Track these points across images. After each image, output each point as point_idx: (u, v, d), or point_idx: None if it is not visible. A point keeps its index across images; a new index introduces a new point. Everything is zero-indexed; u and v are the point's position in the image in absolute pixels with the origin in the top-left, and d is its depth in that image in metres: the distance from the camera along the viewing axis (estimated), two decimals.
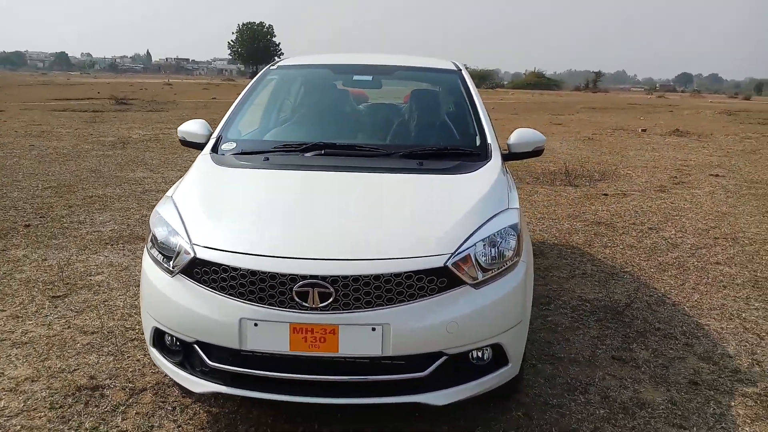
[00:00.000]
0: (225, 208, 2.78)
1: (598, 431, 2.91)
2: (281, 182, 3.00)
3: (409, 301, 2.39)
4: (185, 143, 3.63)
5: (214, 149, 3.39)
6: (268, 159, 3.17)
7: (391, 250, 2.44)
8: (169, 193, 3.02)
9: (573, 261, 5.53)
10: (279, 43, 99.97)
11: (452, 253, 2.47)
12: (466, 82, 3.78)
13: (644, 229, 6.71)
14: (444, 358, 2.47)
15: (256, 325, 2.40)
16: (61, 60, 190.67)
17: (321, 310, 2.36)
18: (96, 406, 2.97)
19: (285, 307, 2.37)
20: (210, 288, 2.48)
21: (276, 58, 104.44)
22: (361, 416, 2.90)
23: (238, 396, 2.59)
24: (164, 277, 2.60)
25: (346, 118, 3.91)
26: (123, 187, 8.21)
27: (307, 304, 2.36)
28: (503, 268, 2.60)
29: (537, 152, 3.61)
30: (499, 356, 2.64)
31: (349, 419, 2.88)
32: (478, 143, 3.42)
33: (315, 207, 2.78)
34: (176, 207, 2.79)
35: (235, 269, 2.42)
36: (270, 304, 2.39)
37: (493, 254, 2.59)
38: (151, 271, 2.68)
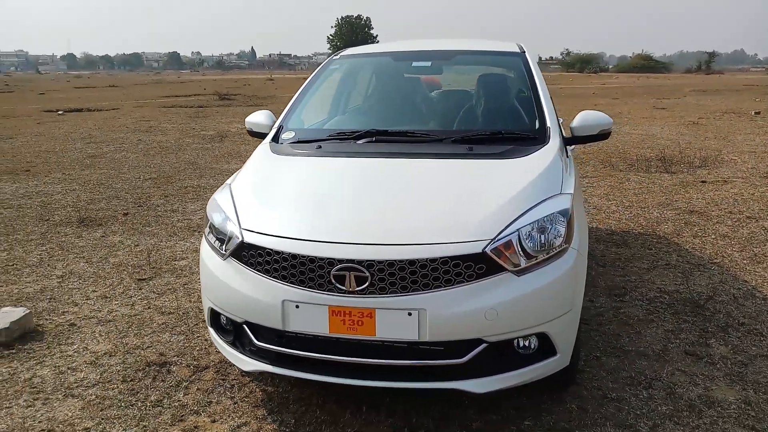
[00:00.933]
0: (274, 195, 2.87)
1: (658, 428, 2.76)
2: (329, 169, 3.05)
3: (445, 286, 2.37)
4: (252, 134, 3.77)
5: (275, 139, 3.50)
6: (320, 147, 3.23)
7: (427, 235, 2.43)
8: (228, 182, 3.15)
9: (658, 251, 5.25)
10: (376, 36, 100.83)
11: (492, 239, 2.42)
12: (528, 65, 3.67)
13: (741, 218, 6.24)
14: (483, 345, 2.43)
15: (297, 307, 2.46)
16: (174, 59, 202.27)
17: (358, 294, 2.39)
18: (162, 380, 3.17)
19: (324, 290, 2.42)
20: (256, 271, 2.57)
21: None
22: (409, 401, 2.91)
23: (284, 375, 2.66)
24: (218, 261, 2.73)
25: (403, 104, 3.90)
26: (216, 178, 8.62)
27: (344, 288, 2.39)
28: (550, 255, 2.52)
29: (603, 135, 3.45)
30: (545, 346, 2.56)
31: (397, 403, 2.89)
32: (535, 127, 3.31)
33: (358, 193, 2.81)
34: (231, 194, 2.91)
35: (278, 253, 2.50)
36: (310, 287, 2.44)
37: (539, 240, 2.51)
38: (207, 255, 2.82)
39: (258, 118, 3.75)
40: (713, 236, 5.63)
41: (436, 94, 3.91)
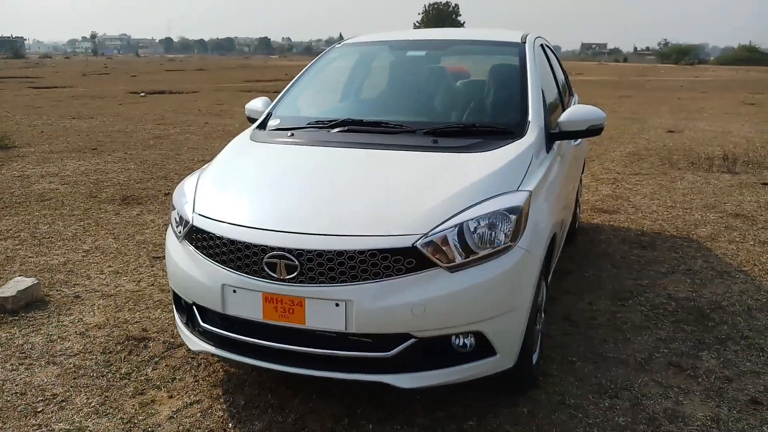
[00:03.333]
0: (232, 181, 2.93)
1: None
2: (289, 157, 3.08)
3: (373, 279, 2.36)
4: (250, 120, 3.85)
5: (262, 125, 3.56)
6: (293, 135, 3.26)
7: (359, 227, 2.42)
8: (205, 167, 3.25)
9: (683, 255, 4.97)
10: (464, 23, 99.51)
11: (424, 234, 2.38)
12: (524, 56, 3.54)
13: None
14: (412, 340, 2.40)
15: (234, 291, 2.52)
16: (264, 45, 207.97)
17: (288, 282, 2.41)
18: (137, 355, 3.32)
19: (258, 277, 2.47)
20: (202, 254, 2.65)
21: None
22: (358, 391, 2.91)
23: (224, 357, 2.73)
24: (175, 243, 2.83)
25: (389, 94, 3.86)
26: None
27: (275, 275, 2.43)
28: (490, 252, 2.45)
29: (593, 131, 3.29)
30: (483, 345, 2.51)
31: (346, 393, 2.91)
32: (514, 120, 3.20)
33: (307, 182, 2.82)
34: (197, 180, 3.00)
35: (218, 238, 2.57)
36: (246, 273, 2.49)
37: (480, 237, 2.45)
38: (169, 237, 2.93)
39: (256, 104, 3.82)
40: (751, 242, 5.27)
41: (425, 85, 3.84)
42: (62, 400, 2.91)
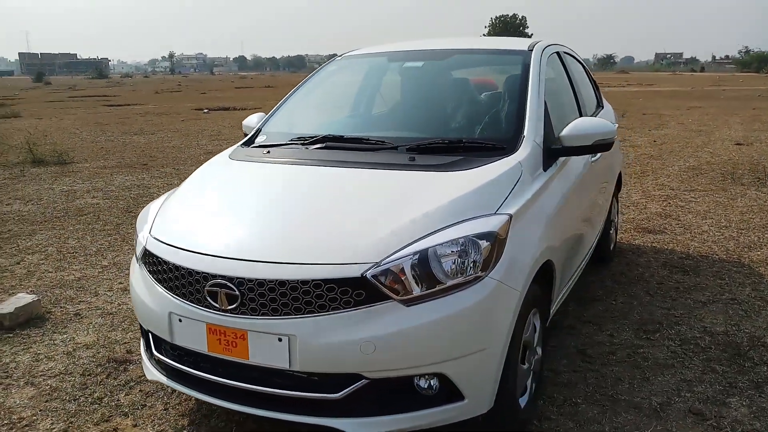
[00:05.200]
0: (192, 202, 2.78)
1: None
2: (255, 177, 2.90)
3: (318, 312, 2.13)
4: (245, 136, 3.71)
5: (249, 142, 3.41)
6: (269, 152, 3.09)
7: (304, 254, 2.19)
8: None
9: (730, 282, 4.48)
10: (531, 35, 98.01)
11: (376, 263, 2.13)
12: (527, 66, 3.23)
13: None
14: (363, 381, 2.16)
15: (180, 320, 2.36)
16: None
17: (230, 313, 2.22)
18: (114, 378, 3.21)
19: (202, 306, 2.29)
20: (153, 279, 2.50)
21: None
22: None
23: (177, 389, 2.56)
24: (135, 266, 2.70)
25: (378, 108, 3.63)
26: None
27: (217, 305, 2.24)
28: (457, 283, 2.17)
29: (601, 146, 2.95)
30: (448, 388, 2.22)
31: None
32: (506, 135, 2.91)
33: (264, 204, 2.62)
34: (163, 200, 2.87)
35: (165, 262, 2.41)
36: (190, 301, 2.33)
37: (445, 266, 2.17)
38: (133, 260, 2.80)
39: (251, 120, 3.69)
40: None
41: (418, 98, 3.60)
42: (26, 425, 2.82)
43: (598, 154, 3.70)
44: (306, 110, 3.66)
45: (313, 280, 2.12)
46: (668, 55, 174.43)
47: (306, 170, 2.81)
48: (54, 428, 2.79)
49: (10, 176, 9.13)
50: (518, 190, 2.54)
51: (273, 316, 2.16)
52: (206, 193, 2.85)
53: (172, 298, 2.38)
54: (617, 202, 5.15)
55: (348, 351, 2.11)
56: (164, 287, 2.43)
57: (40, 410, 2.93)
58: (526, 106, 2.97)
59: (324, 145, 3.00)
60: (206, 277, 2.25)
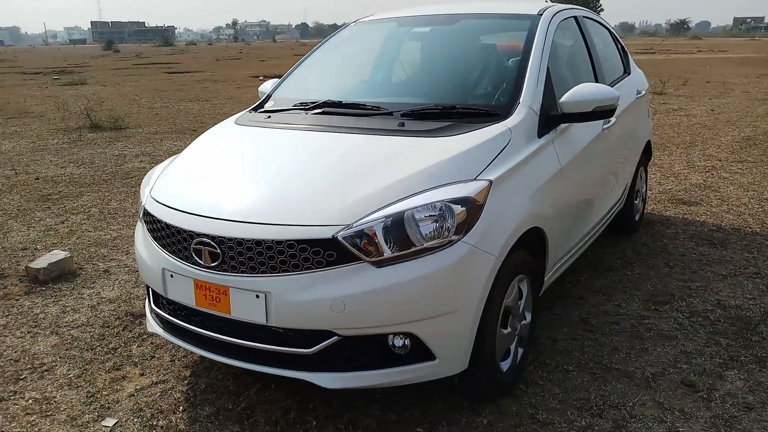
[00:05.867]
0: (191, 165, 2.89)
1: None
2: (252, 141, 2.98)
3: (293, 271, 2.22)
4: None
5: (258, 107, 3.50)
6: (270, 117, 3.17)
7: (281, 215, 2.28)
8: None
9: (758, 257, 4.34)
10: (600, 3, 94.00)
11: (347, 225, 2.20)
12: (534, 30, 3.17)
13: None
14: (335, 338, 2.24)
15: (172, 276, 2.49)
16: None
17: (213, 270, 2.34)
18: (130, 331, 3.41)
19: (189, 263, 2.41)
20: (151, 236, 2.64)
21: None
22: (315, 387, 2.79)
23: (170, 341, 2.71)
24: (139, 224, 2.85)
25: (380, 74, 3.64)
26: None
27: (202, 262, 2.36)
28: (430, 246, 2.22)
29: (601, 113, 2.90)
30: (419, 348, 2.29)
31: (304, 386, 2.79)
32: (501, 101, 2.89)
33: (251, 167, 2.70)
34: (168, 162, 3.01)
35: (159, 221, 2.54)
36: (180, 258, 2.45)
37: (418, 230, 2.22)
38: (139, 220, 2.96)
39: (266, 86, 3.78)
40: None
41: (422, 63, 3.58)
42: (46, 370, 3.05)
43: (612, 120, 3.62)
44: (315, 76, 3.72)
45: (287, 241, 2.20)
46: (748, 20, 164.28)
47: (299, 135, 2.88)
48: (70, 374, 3.01)
49: (69, 141, 9.59)
50: (504, 156, 2.54)
51: (251, 273, 2.27)
52: (204, 156, 2.97)
53: (165, 254, 2.52)
54: (645, 171, 5.00)
55: (319, 309, 2.19)
56: (159, 245, 2.57)
57: (60, 357, 3.16)
58: (525, 72, 2.94)
59: (322, 110, 3.05)
60: (192, 235, 2.37)
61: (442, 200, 2.26)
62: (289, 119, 3.08)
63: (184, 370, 3.03)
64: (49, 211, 5.79)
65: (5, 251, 4.70)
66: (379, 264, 2.19)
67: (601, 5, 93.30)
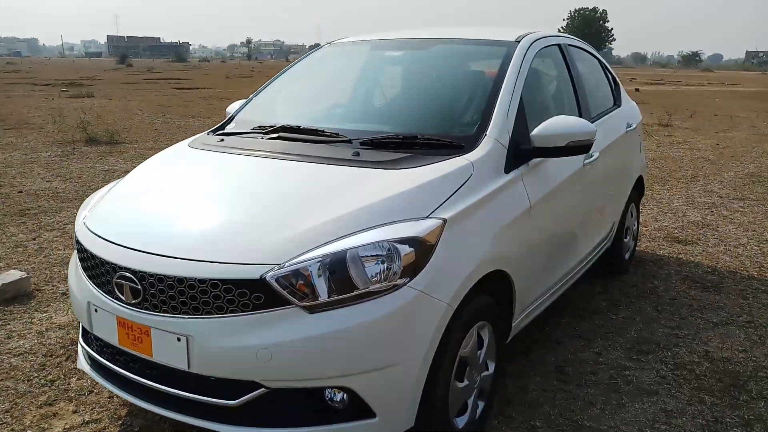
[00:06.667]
0: (131, 190, 2.70)
1: None
2: (196, 167, 2.79)
3: (216, 314, 2.01)
4: None
5: (219, 128, 3.32)
6: (222, 140, 2.98)
7: (205, 251, 2.07)
8: None
9: (753, 303, 4.09)
10: (611, 29, 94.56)
11: (278, 265, 1.99)
12: (509, 59, 2.98)
13: None
14: (261, 390, 2.02)
15: (96, 310, 2.29)
16: None
17: (135, 307, 2.13)
18: (73, 361, 3.20)
19: (112, 298, 2.21)
20: (81, 266, 2.44)
21: (608, 44, 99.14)
22: None
23: (94, 380, 2.50)
24: (74, 253, 2.66)
25: (346, 99, 3.45)
26: None
27: (123, 298, 2.16)
28: (367, 291, 2.00)
29: (575, 149, 2.69)
30: (357, 404, 2.06)
31: None
32: (466, 132, 2.69)
33: (185, 196, 2.49)
34: (111, 186, 2.83)
35: (86, 250, 2.35)
36: (104, 292, 2.25)
37: (359, 272, 2.01)
38: None
39: (233, 106, 3.60)
40: None
41: (389, 89, 3.40)
42: None
43: (595, 155, 3.41)
44: (280, 98, 3.54)
45: (210, 280, 2.00)
46: (760, 54, 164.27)
47: (246, 162, 2.68)
48: None
49: (62, 154, 9.47)
50: (463, 193, 2.33)
51: (173, 314, 2.06)
52: (145, 180, 2.78)
53: (91, 287, 2.32)
54: (637, 208, 4.78)
55: (244, 357, 1.98)
56: (87, 275, 2.37)
57: None
58: (495, 103, 2.74)
59: (278, 135, 2.86)
60: (114, 268, 2.17)
61: (387, 240, 2.05)
62: (241, 143, 2.89)
63: (121, 408, 2.81)
64: (24, 227, 5.62)
65: None
66: (312, 309, 1.98)
67: (613, 35, 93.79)
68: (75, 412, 2.78)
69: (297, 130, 2.88)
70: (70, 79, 31.54)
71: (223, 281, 1.99)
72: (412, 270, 2.06)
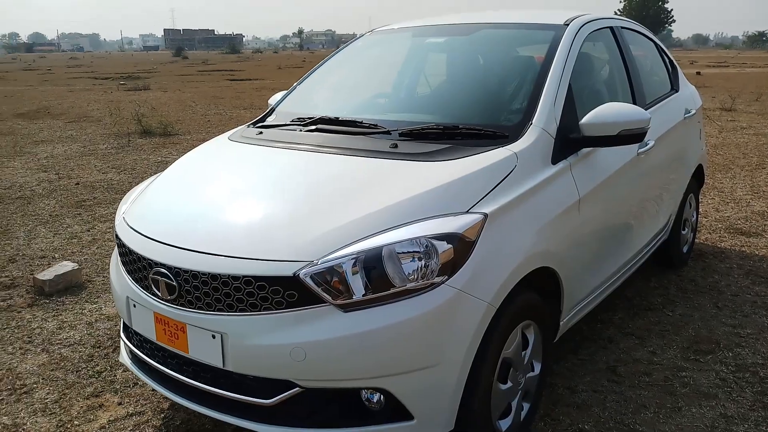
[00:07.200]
0: (171, 184, 2.68)
1: None
2: (234, 160, 2.75)
3: (250, 311, 1.97)
4: None
5: (260, 120, 3.29)
6: (261, 133, 2.94)
7: (239, 247, 2.03)
8: None
9: None
10: (671, 10, 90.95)
11: (311, 262, 1.93)
12: (557, 43, 2.83)
13: None
14: (296, 389, 1.97)
15: (134, 306, 2.29)
16: None
17: (171, 304, 2.12)
18: (119, 354, 3.24)
19: (150, 293, 2.20)
20: (120, 261, 2.45)
21: (667, 26, 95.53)
22: None
23: (135, 374, 2.50)
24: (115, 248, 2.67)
25: (383, 88, 3.35)
26: None
27: (159, 294, 2.14)
28: (403, 290, 1.93)
29: (627, 138, 2.54)
30: (394, 405, 2.00)
31: None
32: (510, 121, 2.57)
33: (222, 190, 2.45)
34: (152, 179, 2.83)
35: (124, 245, 2.35)
36: (142, 287, 2.25)
37: (395, 269, 1.93)
38: None
39: (275, 98, 3.58)
40: None
41: (431, 77, 3.28)
42: (25, 392, 2.91)
43: (650, 143, 3.23)
44: (321, 89, 3.47)
45: (244, 276, 1.96)
46: None
47: (282, 155, 2.63)
48: (48, 398, 2.86)
49: (117, 146, 9.73)
50: (506, 186, 2.22)
51: (208, 311, 2.03)
52: (184, 174, 2.76)
53: (130, 282, 2.32)
54: (696, 198, 4.54)
55: (278, 356, 1.94)
56: (126, 270, 2.37)
57: (42, 378, 3.02)
58: (542, 90, 2.61)
59: (316, 127, 2.80)
60: (151, 263, 2.16)
61: (425, 235, 1.96)
62: (279, 136, 2.85)
63: (163, 402, 2.82)
64: (79, 218, 5.77)
65: (24, 258, 4.67)
66: (346, 308, 1.92)
67: (672, 17, 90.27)
68: (119, 404, 2.82)
69: (335, 121, 2.82)
70: (128, 72, 32.48)
71: (257, 278, 1.94)
72: (450, 267, 1.97)
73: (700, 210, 5.62)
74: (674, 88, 4.12)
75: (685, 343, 3.31)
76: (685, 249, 4.36)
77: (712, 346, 3.27)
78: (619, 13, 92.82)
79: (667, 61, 4.20)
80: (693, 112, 4.14)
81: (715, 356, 3.17)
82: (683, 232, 4.25)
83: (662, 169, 3.56)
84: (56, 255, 4.74)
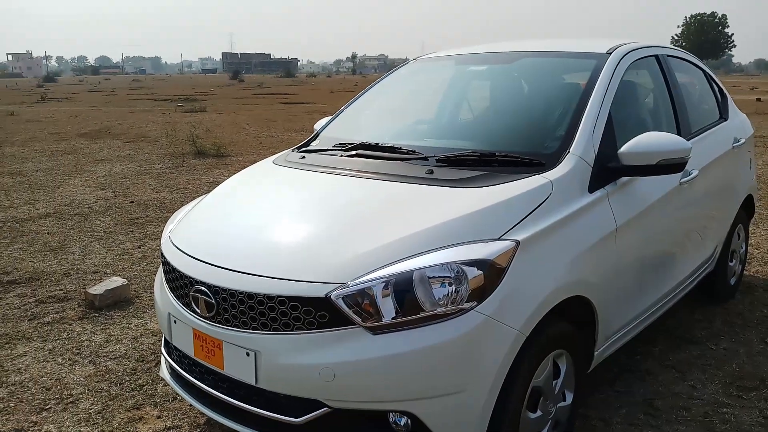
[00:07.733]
0: (216, 205, 2.79)
1: None
2: (276, 184, 2.86)
3: (283, 330, 2.03)
4: None
5: (304, 145, 3.39)
6: (304, 158, 3.03)
7: (274, 268, 2.10)
8: None
9: None
10: (731, 35, 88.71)
11: (342, 284, 1.98)
12: (598, 72, 2.84)
13: None
14: (325, 409, 2.02)
15: (175, 322, 2.39)
16: None
17: (209, 321, 2.20)
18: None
19: (190, 311, 2.29)
20: (164, 278, 2.56)
21: (727, 51, 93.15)
22: None
23: (173, 388, 2.59)
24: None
25: (424, 115, 3.40)
26: None
27: (198, 311, 2.23)
28: (433, 314, 1.96)
29: (667, 167, 2.52)
30: (420, 430, 2.01)
31: None
32: (548, 149, 2.58)
33: (265, 211, 2.56)
34: (199, 200, 2.95)
35: (168, 263, 2.45)
36: (183, 304, 2.34)
37: (424, 294, 1.97)
38: None
39: (320, 123, 3.69)
40: None
41: (472, 103, 3.32)
42: (71, 402, 3.04)
43: (694, 173, 3.18)
44: (364, 115, 3.56)
45: (278, 296, 2.03)
46: None
47: (322, 179, 2.72)
48: (92, 409, 2.98)
49: (172, 166, 10.08)
50: (540, 213, 2.23)
51: (243, 329, 2.11)
52: (231, 196, 2.87)
53: (172, 299, 2.42)
54: (746, 229, 4.41)
55: (307, 375, 1.99)
56: (169, 287, 2.48)
57: (88, 389, 3.15)
58: (581, 118, 2.62)
59: (356, 152, 2.88)
60: (191, 281, 2.26)
61: (456, 261, 1.99)
62: (321, 161, 2.94)
63: (200, 417, 2.91)
64: (131, 235, 6.00)
65: (78, 273, 4.88)
66: (376, 330, 1.96)
67: (733, 42, 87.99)
68: (158, 417, 2.91)
69: (375, 147, 2.89)
70: (186, 94, 33.61)
71: (290, 298, 2.01)
72: (479, 294, 1.99)
73: (752, 241, 5.44)
74: (723, 116, 4.05)
75: (728, 378, 3.21)
76: (732, 281, 4.24)
77: (756, 383, 3.16)
78: (676, 38, 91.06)
79: (716, 88, 4.13)
80: (742, 141, 4.05)
81: (759, 393, 3.06)
82: (730, 264, 4.13)
83: (707, 199, 3.49)
84: (108, 270, 4.94)
